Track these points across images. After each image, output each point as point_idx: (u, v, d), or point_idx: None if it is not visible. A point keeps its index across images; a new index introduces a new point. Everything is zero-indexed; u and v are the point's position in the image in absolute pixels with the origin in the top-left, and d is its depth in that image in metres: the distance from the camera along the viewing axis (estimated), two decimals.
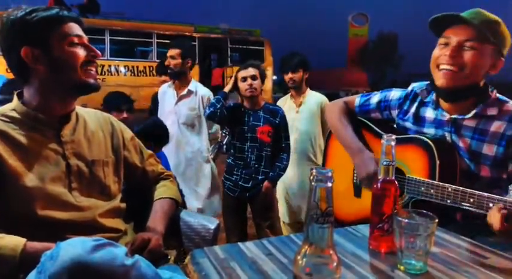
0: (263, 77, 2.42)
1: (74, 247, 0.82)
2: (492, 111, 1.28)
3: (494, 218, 1.05)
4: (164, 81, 3.79)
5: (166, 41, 11.04)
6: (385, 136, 1.01)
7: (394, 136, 1.00)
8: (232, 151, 2.47)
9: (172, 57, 2.77)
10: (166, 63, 2.81)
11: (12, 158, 1.06)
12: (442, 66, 1.28)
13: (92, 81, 1.17)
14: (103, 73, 10.32)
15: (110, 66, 10.51)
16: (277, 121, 2.41)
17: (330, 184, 0.59)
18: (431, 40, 1.39)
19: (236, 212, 2.49)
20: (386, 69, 33.03)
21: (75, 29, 1.18)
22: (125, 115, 2.54)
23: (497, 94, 1.33)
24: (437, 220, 0.89)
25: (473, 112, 1.29)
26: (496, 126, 1.27)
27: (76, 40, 1.16)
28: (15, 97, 1.17)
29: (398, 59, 32.15)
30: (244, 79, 2.36)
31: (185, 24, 12.37)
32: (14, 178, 1.05)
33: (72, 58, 1.14)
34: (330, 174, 0.59)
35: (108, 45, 10.56)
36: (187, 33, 11.53)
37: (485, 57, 1.26)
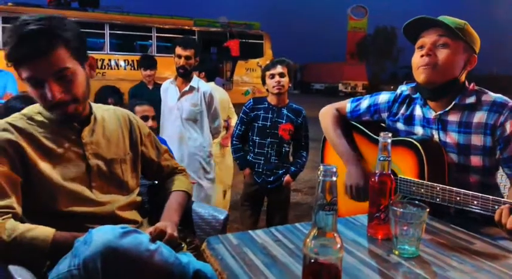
0: (291, 74, 2.46)
1: (105, 233, 0.92)
2: (470, 99, 1.38)
3: (506, 218, 1.10)
4: (150, 75, 3.82)
5: (166, 35, 11.09)
6: (381, 134, 1.11)
7: (390, 134, 1.10)
8: (251, 147, 2.53)
9: (189, 57, 2.85)
10: (180, 63, 2.85)
11: (39, 159, 1.15)
12: (420, 66, 1.38)
13: (64, 117, 1.18)
14: (103, 68, 10.36)
15: (109, 60, 10.55)
16: (299, 121, 2.49)
17: (334, 178, 0.69)
18: None
19: (254, 203, 2.57)
20: (385, 62, 33.03)
21: (29, 69, 1.10)
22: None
23: (476, 87, 1.43)
24: (428, 210, 0.99)
25: (452, 103, 1.39)
26: (478, 117, 1.36)
27: (31, 81, 1.11)
28: None
29: (397, 52, 32.16)
30: (272, 76, 2.41)
31: (184, 17, 12.37)
32: (41, 176, 1.14)
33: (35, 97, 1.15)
34: (334, 170, 0.69)
35: (108, 39, 10.58)
36: (186, 27, 11.54)
37: (458, 53, 1.36)
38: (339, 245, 0.71)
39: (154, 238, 1.15)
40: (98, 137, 1.29)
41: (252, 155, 2.52)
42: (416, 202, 1.03)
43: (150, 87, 3.82)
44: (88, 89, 1.22)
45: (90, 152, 1.25)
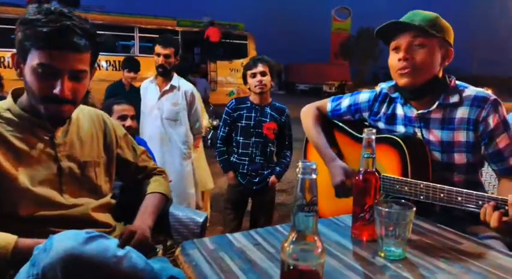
0: (273, 72, 2.40)
1: (67, 239, 0.85)
2: (454, 98, 1.34)
3: (490, 216, 1.08)
4: (132, 78, 3.80)
5: (148, 35, 10.92)
6: (365, 130, 1.05)
7: (374, 130, 1.05)
8: (235, 148, 2.45)
9: (168, 56, 2.80)
10: (160, 61, 2.80)
11: (5, 159, 1.07)
12: (399, 71, 1.34)
13: (51, 115, 1.12)
14: None
15: None
16: (282, 120, 2.43)
17: (314, 176, 0.63)
18: None
19: (238, 206, 2.50)
20: (367, 62, 33.42)
21: (57, 59, 1.07)
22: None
23: (456, 81, 1.39)
24: (414, 209, 0.94)
25: (436, 103, 1.35)
26: (461, 113, 1.33)
27: (45, 70, 1.06)
28: (9, 96, 1.16)
29: (378, 53, 32.54)
30: (254, 75, 2.35)
31: (167, 17, 12.22)
32: (5, 178, 1.06)
33: (33, 88, 1.09)
34: (314, 167, 0.63)
35: None
36: (169, 27, 11.40)
37: (435, 51, 1.32)
38: (320, 250, 0.64)
39: (123, 242, 1.08)
40: (72, 138, 1.22)
41: (235, 156, 2.44)
42: (403, 201, 0.98)
43: (127, 88, 3.79)
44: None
45: (63, 153, 1.17)
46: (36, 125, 1.14)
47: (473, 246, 1.02)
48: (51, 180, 1.14)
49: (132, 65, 3.87)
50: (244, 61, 11.94)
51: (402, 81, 1.34)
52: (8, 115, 1.12)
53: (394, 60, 1.37)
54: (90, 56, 1.14)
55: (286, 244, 0.65)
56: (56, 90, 1.06)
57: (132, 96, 3.47)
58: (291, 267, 0.65)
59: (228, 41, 12.20)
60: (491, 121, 1.29)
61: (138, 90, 3.76)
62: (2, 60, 8.57)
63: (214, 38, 11.55)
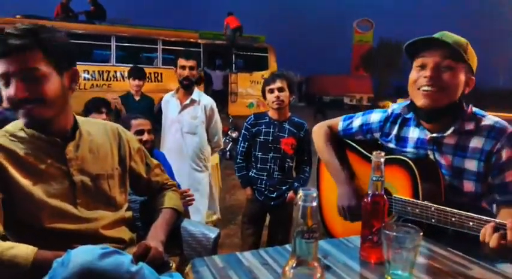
0: (292, 88, 2.43)
1: (84, 254, 0.89)
2: (469, 126, 1.33)
3: (490, 237, 1.07)
4: (139, 86, 3.81)
5: (171, 48, 11.19)
6: (374, 153, 1.07)
7: (383, 153, 1.07)
8: (253, 163, 2.49)
9: (192, 68, 2.88)
10: (185, 74, 2.86)
11: (21, 176, 1.13)
12: (423, 88, 1.32)
13: (25, 120, 1.16)
14: (108, 79, 10.43)
15: (115, 71, 10.62)
16: (301, 135, 2.45)
17: (314, 204, 0.66)
18: None
19: (256, 221, 2.52)
20: (390, 76, 32.99)
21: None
22: (104, 116, 2.62)
23: (473, 108, 1.38)
24: (421, 233, 0.95)
25: (451, 129, 1.34)
26: (475, 142, 1.32)
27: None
28: None
29: (402, 66, 32.08)
30: (272, 91, 2.39)
31: (190, 30, 12.48)
32: (22, 193, 1.12)
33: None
34: (314, 195, 0.66)
35: (114, 51, 10.69)
36: (192, 40, 11.64)
37: (461, 76, 1.31)
38: (319, 275, 0.67)
39: (137, 258, 1.12)
40: (84, 152, 1.27)
41: (254, 171, 2.48)
42: (409, 224, 0.99)
43: (137, 98, 3.81)
44: (64, 98, 1.19)
45: (75, 168, 1.23)
46: (47, 142, 1.20)
47: (483, 273, 1.02)
48: (65, 194, 1.19)
49: (137, 73, 3.88)
50: (265, 73, 12.09)
51: (423, 101, 1.33)
52: (22, 134, 1.18)
53: (418, 76, 1.35)
54: (43, 54, 1.12)
55: (287, 268, 0.68)
56: (11, 93, 1.10)
57: (143, 106, 3.49)
58: None
59: (249, 53, 12.35)
60: (504, 155, 1.28)
61: (148, 98, 3.82)
62: None
63: (234, 25, 11.83)
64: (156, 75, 10.59)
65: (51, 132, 1.19)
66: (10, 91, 1.11)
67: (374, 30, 32.70)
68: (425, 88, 1.32)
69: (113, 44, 10.59)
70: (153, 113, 3.47)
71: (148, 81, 10.98)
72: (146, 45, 11.37)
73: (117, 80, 10.62)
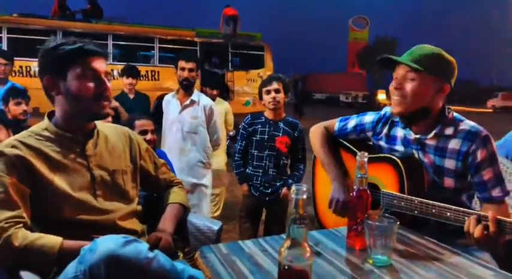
0: (287, 89, 2.59)
1: (109, 242, 1.04)
2: (448, 131, 1.49)
3: (474, 227, 1.22)
4: (132, 84, 3.85)
5: (168, 46, 11.28)
6: (359, 153, 1.22)
7: (366, 154, 1.22)
8: (250, 160, 2.64)
9: (192, 70, 2.98)
10: (184, 75, 2.96)
11: (47, 171, 1.26)
12: (393, 97, 1.52)
13: (102, 111, 1.34)
14: None
15: (112, 70, 10.66)
16: (295, 134, 2.60)
17: (305, 197, 0.81)
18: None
19: (253, 216, 2.68)
20: (385, 73, 33.15)
21: (95, 62, 1.31)
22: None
23: (454, 114, 1.54)
24: (398, 223, 1.10)
25: (433, 132, 1.51)
26: (454, 144, 1.48)
27: (90, 74, 1.30)
28: (45, 118, 1.37)
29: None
30: (268, 92, 2.55)
31: (186, 28, 12.55)
32: (49, 187, 1.25)
33: (82, 92, 1.29)
34: (304, 189, 0.81)
35: (111, 50, 10.75)
36: (188, 38, 11.72)
37: (426, 86, 1.47)
38: (308, 254, 0.82)
39: (152, 246, 1.27)
40: (101, 150, 1.41)
41: (250, 168, 2.63)
42: (386, 214, 1.14)
43: (132, 96, 3.85)
44: None
45: (94, 163, 1.36)
46: (70, 139, 1.34)
47: (453, 257, 1.17)
48: (86, 186, 1.33)
49: (130, 71, 3.91)
50: (261, 71, 12.22)
51: (394, 108, 1.53)
52: (46, 133, 1.32)
53: (391, 88, 1.54)
54: (49, 79, 1.31)
55: (282, 249, 0.83)
56: (106, 86, 1.35)
57: (138, 103, 3.54)
58: (286, 268, 0.83)
59: (245, 51, 12.44)
60: (479, 155, 1.43)
61: (143, 96, 3.86)
62: (28, 69, 8.97)
63: (230, 13, 11.96)
64: (153, 73, 10.65)
65: (73, 130, 1.34)
66: (103, 84, 1.34)
67: (369, 27, 32.84)
68: (394, 97, 1.51)
69: (110, 42, 10.65)
70: (148, 110, 3.52)
71: (145, 80, 11.10)
72: (143, 44, 11.42)
73: (114, 78, 10.69)
